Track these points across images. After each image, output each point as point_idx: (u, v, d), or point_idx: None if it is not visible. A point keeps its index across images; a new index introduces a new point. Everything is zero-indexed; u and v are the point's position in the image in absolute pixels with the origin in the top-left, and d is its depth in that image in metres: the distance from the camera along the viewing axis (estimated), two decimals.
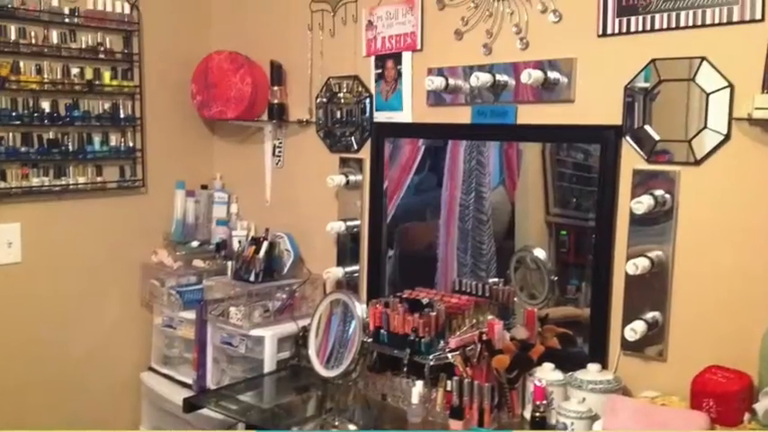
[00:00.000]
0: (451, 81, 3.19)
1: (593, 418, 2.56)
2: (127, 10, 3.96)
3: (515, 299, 3.14)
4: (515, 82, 3.01)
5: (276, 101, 3.95)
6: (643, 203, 2.56)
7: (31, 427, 3.79)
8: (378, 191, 3.59)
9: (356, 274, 3.72)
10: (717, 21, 2.48)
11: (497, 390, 2.75)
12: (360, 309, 3.28)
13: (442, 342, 2.98)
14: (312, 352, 3.44)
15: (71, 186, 3.83)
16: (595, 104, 2.81)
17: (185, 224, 4.21)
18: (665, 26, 2.60)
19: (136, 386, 4.15)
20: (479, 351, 2.79)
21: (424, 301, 3.07)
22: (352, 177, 3.67)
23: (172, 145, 4.25)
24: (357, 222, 3.69)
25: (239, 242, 3.98)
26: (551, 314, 2.99)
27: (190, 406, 3.28)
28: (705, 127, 2.52)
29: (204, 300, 3.79)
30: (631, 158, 2.72)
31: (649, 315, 2.68)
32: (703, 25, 2.51)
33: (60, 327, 3.91)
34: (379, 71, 3.53)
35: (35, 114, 3.67)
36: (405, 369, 3.01)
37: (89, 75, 3.84)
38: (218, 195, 4.29)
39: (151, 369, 4.15)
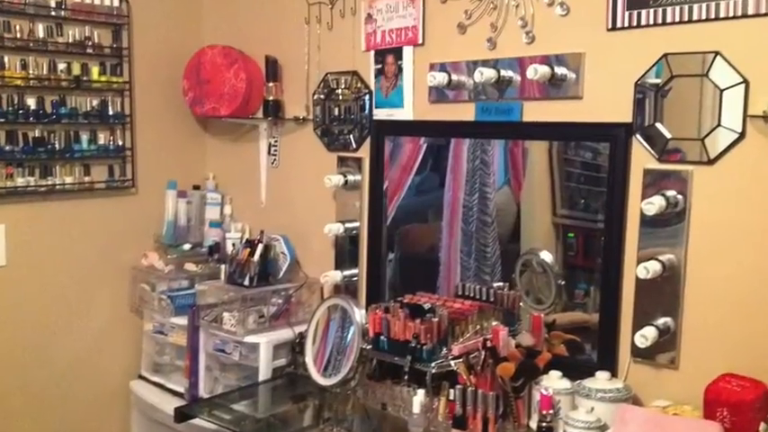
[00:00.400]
0: (454, 77, 3.18)
1: (603, 428, 2.55)
2: (116, 3, 3.96)
3: (521, 304, 3.14)
4: (521, 78, 3.01)
5: (271, 97, 3.95)
6: (654, 204, 2.55)
7: None
8: (377, 191, 3.58)
9: (355, 278, 3.71)
10: (731, 14, 2.47)
11: (502, 399, 2.74)
12: (359, 314, 3.27)
13: (444, 349, 2.97)
14: (309, 359, 3.42)
15: (58, 187, 3.83)
16: (604, 101, 2.80)
17: (177, 226, 4.20)
18: (677, 19, 2.58)
19: (125, 395, 4.14)
20: (483, 358, 2.78)
21: (426, 306, 3.06)
22: (350, 177, 3.66)
23: (163, 143, 4.25)
24: (356, 224, 3.69)
25: (233, 245, 3.98)
26: (558, 320, 2.98)
27: (181, 416, 3.27)
28: (719, 125, 2.51)
29: (196, 305, 3.79)
30: (642, 157, 2.71)
31: (661, 321, 2.68)
32: (717, 18, 2.50)
33: (46, 333, 3.91)
34: (379, 66, 3.52)
35: (20, 111, 3.67)
36: (405, 377, 2.99)
37: (76, 70, 3.84)
38: (210, 196, 4.29)
39: (141, 377, 4.15)
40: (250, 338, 3.55)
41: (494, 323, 3.05)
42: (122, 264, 4.12)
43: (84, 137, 3.90)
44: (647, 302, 2.72)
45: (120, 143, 4.04)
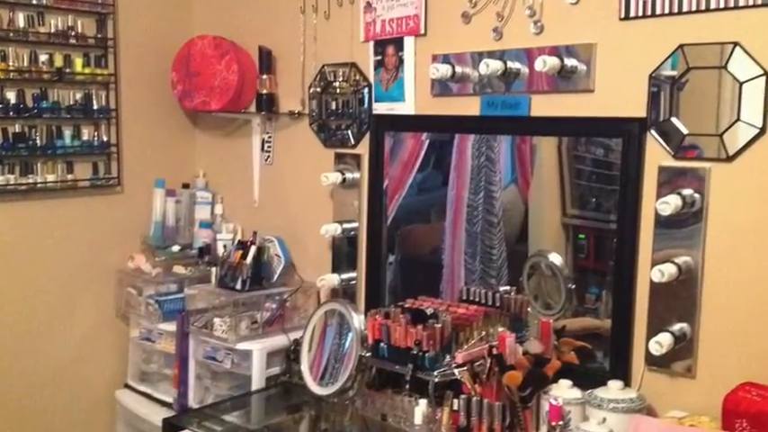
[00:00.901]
0: (458, 69, 3.16)
1: None
2: None
3: (529, 309, 3.13)
4: (529, 70, 2.99)
5: (265, 91, 3.94)
6: (670, 204, 2.53)
7: None
8: (377, 190, 3.57)
9: (353, 282, 3.71)
10: (751, 2, 2.43)
11: (509, 409, 2.71)
12: (357, 320, 3.25)
13: (447, 357, 2.95)
14: (305, 367, 3.41)
15: (39, 185, 3.83)
16: (617, 95, 2.78)
17: (165, 227, 4.21)
18: (693, 8, 2.56)
19: (110, 405, 4.15)
20: (489, 366, 2.76)
21: (429, 311, 3.04)
22: (348, 175, 3.65)
23: (150, 139, 4.26)
24: (354, 224, 3.68)
25: (224, 246, 4.02)
26: (569, 326, 2.96)
27: (170, 427, 3.26)
28: (738, 119, 2.48)
29: (186, 310, 3.78)
30: (657, 154, 2.69)
31: (677, 327, 2.66)
32: (736, 7, 2.47)
33: (26, 340, 3.91)
34: (379, 58, 3.51)
35: None
36: (407, 386, 2.98)
37: (59, 62, 3.84)
38: (200, 195, 4.29)
39: (127, 386, 4.16)
40: (242, 345, 3.54)
41: (500, 329, 3.04)
42: (107, 266, 4.13)
43: (67, 132, 3.91)
44: (662, 307, 2.70)
45: (105, 139, 4.04)
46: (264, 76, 3.93)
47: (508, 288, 3.17)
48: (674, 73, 2.63)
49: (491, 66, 2.96)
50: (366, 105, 3.59)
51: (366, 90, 3.58)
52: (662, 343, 2.59)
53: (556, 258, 3.04)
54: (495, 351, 2.80)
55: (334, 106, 3.73)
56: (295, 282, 3.84)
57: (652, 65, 2.68)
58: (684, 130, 2.62)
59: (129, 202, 4.19)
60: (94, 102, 3.98)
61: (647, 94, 2.70)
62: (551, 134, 3.03)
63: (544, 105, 2.99)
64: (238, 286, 3.67)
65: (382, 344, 3.09)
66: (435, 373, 2.90)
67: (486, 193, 3.24)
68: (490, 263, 3.24)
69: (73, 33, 3.88)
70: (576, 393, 2.70)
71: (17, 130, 3.73)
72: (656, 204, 2.59)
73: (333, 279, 3.68)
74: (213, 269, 3.85)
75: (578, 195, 2.99)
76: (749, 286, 2.53)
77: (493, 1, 3.09)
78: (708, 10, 2.54)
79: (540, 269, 3.10)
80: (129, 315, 4.14)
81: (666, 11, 2.63)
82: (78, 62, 3.90)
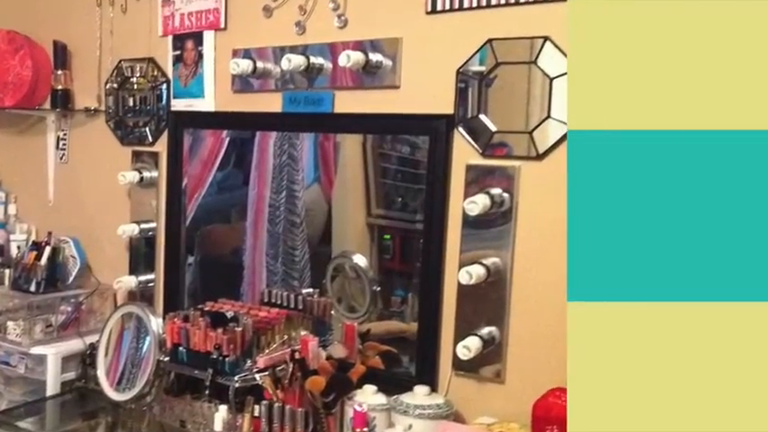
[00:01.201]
0: (260, 64, 2.94)
1: None
2: None
3: (332, 312, 2.91)
4: (332, 65, 2.77)
5: (60, 87, 3.63)
6: (477, 204, 2.32)
7: None
8: (176, 189, 3.31)
9: (151, 284, 3.44)
10: None
11: (312, 415, 2.53)
12: (155, 323, 3.02)
13: (248, 361, 2.73)
14: (101, 372, 3.15)
15: None
16: (424, 91, 2.56)
17: None
18: (503, 1, 2.37)
19: None
20: (291, 371, 2.56)
21: (229, 314, 2.82)
22: (146, 173, 3.39)
23: None
24: (152, 225, 3.41)
25: (18, 247, 3.75)
26: (374, 329, 2.75)
27: None
28: (548, 116, 2.29)
29: None
30: (464, 152, 2.48)
31: (485, 330, 2.45)
32: (546, 0, 2.29)
33: None
34: (178, 53, 3.26)
35: None
36: (206, 392, 2.75)
37: None
38: None
39: None
40: (36, 350, 3.26)
41: (303, 333, 2.82)
42: None
43: None
44: (470, 310, 2.49)
45: None
46: (59, 72, 3.61)
47: (311, 290, 2.96)
48: (483, 68, 2.42)
49: (293, 61, 2.74)
50: (164, 102, 3.32)
51: (164, 86, 3.31)
52: (470, 347, 2.38)
53: (360, 260, 2.84)
54: (297, 355, 2.60)
55: (131, 103, 3.44)
56: (91, 284, 3.53)
57: (460, 60, 2.46)
58: (493, 128, 2.41)
59: None
60: None
61: (454, 91, 2.49)
62: (355, 131, 2.83)
63: (348, 102, 2.77)
64: (33, 288, 3.38)
65: (181, 348, 2.86)
66: (236, 378, 2.68)
67: (288, 193, 3.03)
68: (293, 264, 3.04)
69: None
70: (382, 399, 2.50)
71: None
72: (463, 204, 2.38)
73: (130, 281, 3.43)
74: (6, 271, 3.56)
75: (384, 195, 2.80)
76: (558, 288, 2.27)
77: None
78: (517, 3, 2.37)
79: (345, 271, 2.90)
80: None
81: (474, 4, 2.43)
82: None
